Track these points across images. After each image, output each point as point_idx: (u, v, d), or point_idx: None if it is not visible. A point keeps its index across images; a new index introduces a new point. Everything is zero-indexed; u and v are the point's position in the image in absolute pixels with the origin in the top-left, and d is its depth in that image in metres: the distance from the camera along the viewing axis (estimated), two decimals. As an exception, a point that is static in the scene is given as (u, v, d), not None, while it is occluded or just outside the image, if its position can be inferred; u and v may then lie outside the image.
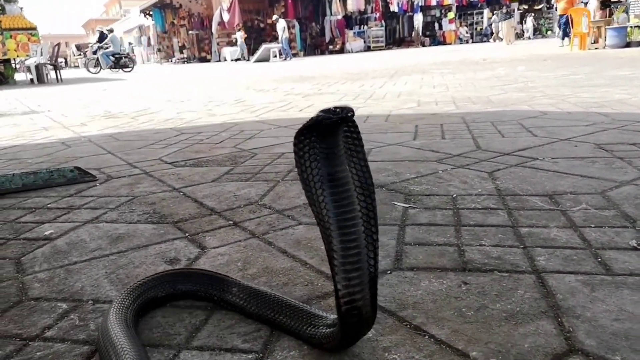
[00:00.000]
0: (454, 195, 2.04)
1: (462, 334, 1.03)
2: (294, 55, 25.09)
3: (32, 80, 16.80)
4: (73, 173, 2.70)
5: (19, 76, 18.36)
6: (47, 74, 16.91)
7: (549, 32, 35.23)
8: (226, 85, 9.85)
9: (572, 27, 14.19)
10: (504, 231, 1.62)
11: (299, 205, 2.01)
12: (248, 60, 26.09)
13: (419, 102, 5.28)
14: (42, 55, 16.42)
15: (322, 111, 0.83)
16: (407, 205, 1.93)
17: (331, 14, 31.58)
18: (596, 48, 13.89)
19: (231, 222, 1.85)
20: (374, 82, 8.08)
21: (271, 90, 7.99)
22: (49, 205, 2.24)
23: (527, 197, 1.97)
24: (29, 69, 16.84)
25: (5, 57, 16.40)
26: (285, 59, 23.53)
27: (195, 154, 3.38)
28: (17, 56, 17.23)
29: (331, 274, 0.91)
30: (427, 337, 1.03)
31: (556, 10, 19.55)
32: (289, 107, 6.12)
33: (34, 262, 1.57)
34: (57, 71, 17.12)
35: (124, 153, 3.60)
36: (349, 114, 0.81)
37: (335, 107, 0.82)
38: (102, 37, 22.16)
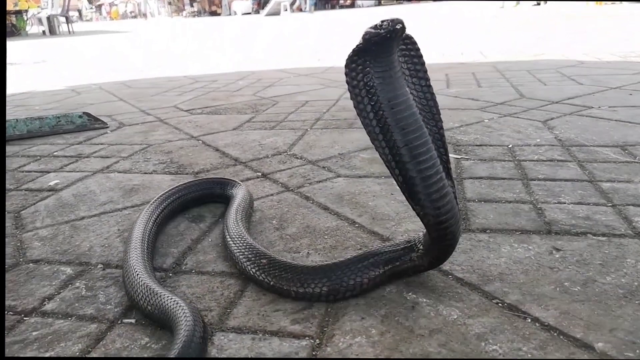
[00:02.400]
0: (510, 146, 1.77)
1: (574, 317, 0.80)
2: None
3: (43, 32, 16.56)
4: (82, 119, 2.46)
5: (31, 28, 17.97)
6: (59, 26, 16.63)
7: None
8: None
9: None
10: (582, 186, 1.36)
11: (334, 156, 1.76)
12: (258, 13, 25.37)
13: (443, 53, 4.91)
14: (53, 7, 16.17)
15: (370, 28, 0.73)
16: (458, 157, 1.68)
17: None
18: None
19: (259, 174, 1.62)
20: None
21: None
22: (55, 153, 2.02)
23: (595, 148, 1.70)
24: (40, 21, 16.62)
25: (17, 9, 16.08)
26: (307, 11, 22.88)
27: (213, 102, 3.12)
28: (29, 7, 16.90)
29: (410, 204, 0.84)
30: (529, 320, 0.80)
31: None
32: (308, 57, 5.78)
33: (36, 216, 1.35)
34: (69, 23, 16.84)
35: (137, 100, 3.35)
36: (398, 27, 0.71)
37: (382, 21, 0.72)
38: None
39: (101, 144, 2.15)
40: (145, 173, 1.69)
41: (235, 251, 1.00)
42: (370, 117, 0.80)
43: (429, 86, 0.85)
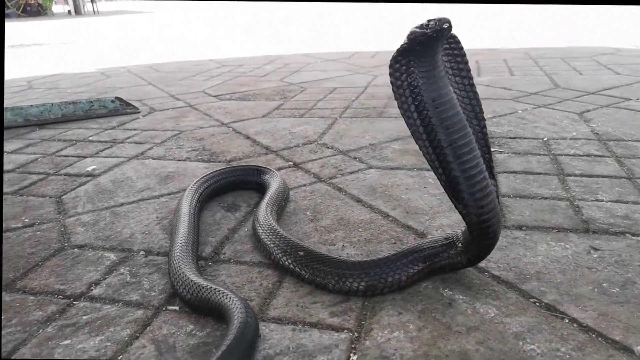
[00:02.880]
0: (545, 139, 1.75)
1: (613, 319, 0.80)
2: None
3: (69, 11, 16.76)
4: (114, 104, 2.51)
5: (56, 8, 18.23)
6: (84, 6, 16.82)
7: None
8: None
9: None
10: (620, 183, 1.34)
11: (364, 146, 1.77)
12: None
13: (472, 39, 4.81)
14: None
15: (416, 27, 0.73)
16: (492, 150, 1.66)
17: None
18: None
19: (291, 163, 1.63)
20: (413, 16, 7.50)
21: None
22: (90, 138, 2.07)
23: (634, 143, 1.67)
24: (66, 0, 16.80)
25: (43, -11, 16.32)
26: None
27: (240, 87, 3.14)
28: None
29: (453, 202, 0.85)
30: (567, 320, 0.80)
31: None
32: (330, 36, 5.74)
33: (77, 201, 1.40)
34: (94, 3, 17.01)
35: (165, 84, 3.39)
36: (445, 26, 0.71)
37: (429, 20, 0.72)
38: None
39: (134, 129, 2.19)
40: (179, 160, 1.72)
41: (269, 244, 1.02)
42: (415, 117, 0.81)
43: (472, 85, 0.85)
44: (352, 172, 1.51)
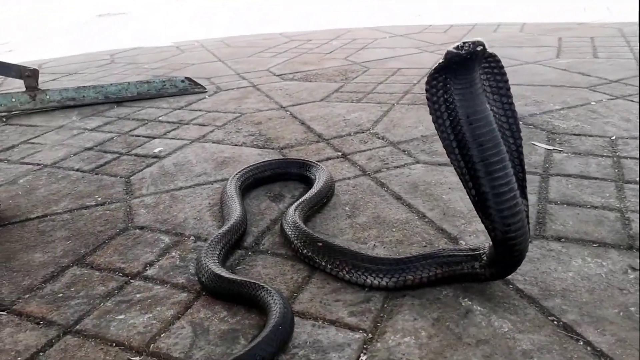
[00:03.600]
0: (613, 137, 1.66)
1: (630, 346, 0.79)
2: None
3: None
4: (184, 83, 2.66)
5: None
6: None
7: None
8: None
9: None
10: (683, 195, 1.27)
11: (416, 138, 1.77)
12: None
13: (559, 10, 4.49)
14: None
15: (453, 48, 0.77)
16: (550, 147, 1.61)
17: None
18: None
19: (340, 154, 1.68)
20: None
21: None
22: (160, 118, 2.23)
23: None
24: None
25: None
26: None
27: (304, 66, 3.19)
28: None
29: (480, 217, 0.88)
30: (581, 343, 0.81)
31: None
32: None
33: (142, 183, 1.54)
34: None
35: (234, 61, 3.52)
36: (479, 48, 0.75)
37: (464, 42, 0.76)
38: None
39: (199, 110, 2.33)
40: (236, 145, 1.82)
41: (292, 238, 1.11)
42: (449, 132, 0.85)
43: (511, 104, 0.86)
44: (397, 167, 1.54)
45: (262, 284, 0.92)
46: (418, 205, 1.29)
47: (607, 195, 1.28)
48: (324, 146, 1.76)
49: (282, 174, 1.48)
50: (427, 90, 0.84)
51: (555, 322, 0.86)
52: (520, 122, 1.82)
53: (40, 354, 0.85)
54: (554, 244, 1.08)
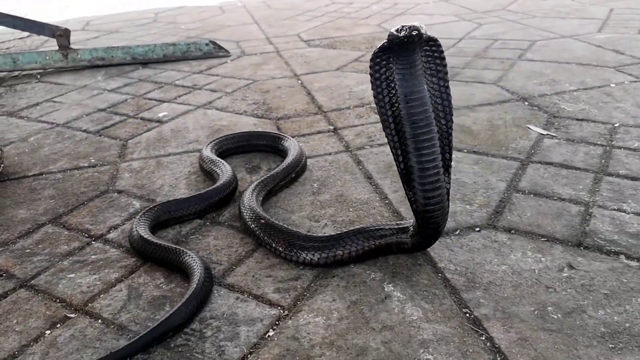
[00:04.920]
0: (616, 125, 1.57)
1: (530, 346, 0.79)
2: None
3: None
4: (208, 47, 2.72)
5: None
6: None
7: None
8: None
9: None
10: (666, 192, 1.20)
11: (413, 114, 1.75)
12: None
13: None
14: None
15: (394, 30, 0.83)
16: (544, 132, 1.55)
17: None
18: None
19: (332, 128, 1.69)
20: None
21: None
22: (176, 82, 2.31)
23: None
24: None
25: None
26: None
27: (335, 32, 3.15)
28: None
29: (405, 189, 0.93)
30: (483, 337, 0.82)
31: None
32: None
33: (137, 147, 1.63)
34: None
35: (268, 24, 3.53)
36: (414, 33, 0.80)
37: (403, 26, 0.82)
38: None
39: (216, 75, 2.39)
40: (237, 113, 1.88)
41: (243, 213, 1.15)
42: (387, 108, 0.90)
43: (447, 87, 0.91)
44: (381, 145, 1.53)
45: (183, 249, 0.99)
46: (384, 187, 1.30)
47: (581, 187, 1.23)
48: (319, 119, 1.78)
49: (254, 146, 1.54)
50: (370, 67, 0.90)
51: (467, 315, 0.87)
52: (526, 102, 1.76)
53: (-3, 302, 0.97)
54: (501, 235, 1.07)
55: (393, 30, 0.83)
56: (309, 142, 1.59)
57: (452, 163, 1.37)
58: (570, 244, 1.03)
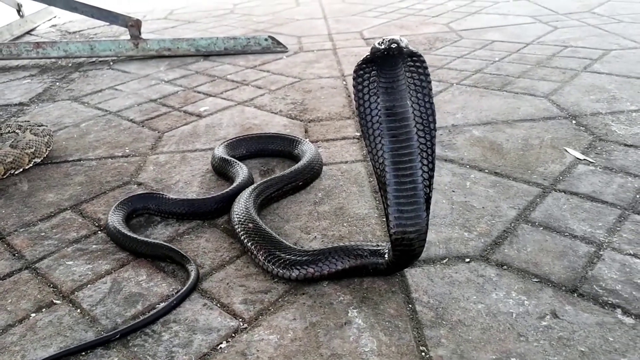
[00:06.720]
0: (672, 155, 1.40)
1: (475, 399, 0.75)
2: None
3: None
4: (267, 42, 2.78)
5: None
6: None
7: None
8: None
9: None
10: (703, 240, 1.06)
11: (444, 126, 1.68)
12: None
13: None
14: None
15: (376, 43, 0.84)
16: (581, 157, 1.42)
17: None
18: None
19: (357, 135, 1.67)
20: None
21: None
22: (228, 76, 2.38)
23: None
24: None
25: None
26: None
27: (398, 30, 3.09)
28: None
29: (383, 203, 0.92)
30: (428, 382, 0.78)
31: None
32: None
33: (170, 140, 1.72)
34: None
35: (335, 19, 3.53)
36: (393, 46, 0.81)
37: (384, 39, 0.83)
38: None
39: (267, 71, 2.43)
40: (271, 112, 1.91)
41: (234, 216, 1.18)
42: (367, 120, 0.91)
43: (431, 103, 0.91)
44: (400, 157, 1.49)
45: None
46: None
47: (600, 224, 1.12)
48: (349, 124, 1.76)
49: (268, 151, 1.56)
50: (354, 79, 0.89)
51: (423, 354, 0.83)
52: (573, 121, 1.63)
53: None
54: (490, 269, 1.01)
55: (376, 43, 0.84)
56: (330, 147, 1.59)
57: (467, 183, 1.32)
58: (563, 288, 0.95)
